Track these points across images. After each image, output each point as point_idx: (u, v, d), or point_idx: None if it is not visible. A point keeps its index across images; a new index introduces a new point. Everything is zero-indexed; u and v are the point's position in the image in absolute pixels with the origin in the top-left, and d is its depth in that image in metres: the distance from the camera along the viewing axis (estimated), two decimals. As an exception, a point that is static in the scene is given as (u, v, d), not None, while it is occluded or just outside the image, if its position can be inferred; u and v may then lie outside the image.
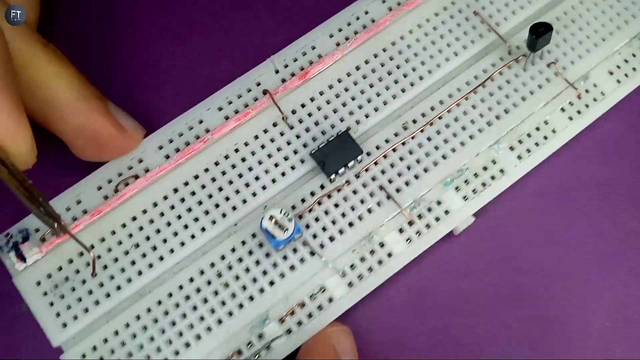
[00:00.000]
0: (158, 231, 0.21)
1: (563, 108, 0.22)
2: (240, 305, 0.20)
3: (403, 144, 0.22)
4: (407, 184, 0.22)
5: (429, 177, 0.22)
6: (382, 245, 0.21)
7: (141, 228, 0.21)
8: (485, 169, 0.22)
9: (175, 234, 0.21)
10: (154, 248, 0.21)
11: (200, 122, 0.22)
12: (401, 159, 0.22)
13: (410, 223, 0.21)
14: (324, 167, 0.21)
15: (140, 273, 0.21)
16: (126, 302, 0.21)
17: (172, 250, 0.21)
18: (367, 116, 0.22)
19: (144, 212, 0.21)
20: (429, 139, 0.22)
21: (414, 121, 0.22)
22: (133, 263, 0.21)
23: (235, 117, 0.22)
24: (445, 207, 0.21)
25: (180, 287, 0.21)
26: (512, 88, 0.23)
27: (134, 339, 0.20)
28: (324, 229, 0.21)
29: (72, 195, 0.21)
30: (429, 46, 0.23)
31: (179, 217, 0.21)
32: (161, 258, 0.21)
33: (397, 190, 0.22)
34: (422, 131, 0.22)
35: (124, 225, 0.21)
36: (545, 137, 0.22)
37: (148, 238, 0.21)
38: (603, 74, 0.23)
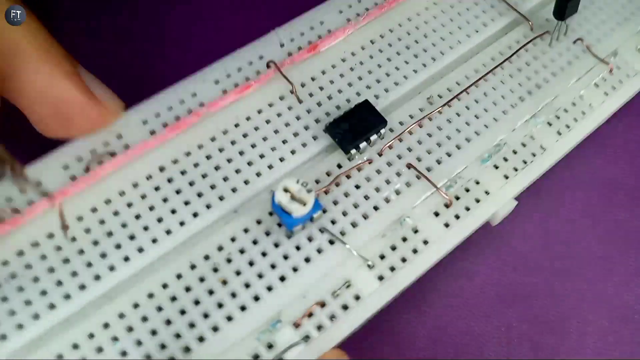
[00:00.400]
0: (138, 217, 0.16)
1: (596, 83, 0.19)
2: (243, 308, 0.15)
3: (430, 119, 0.18)
4: (438, 162, 0.17)
5: (463, 154, 0.18)
6: (415, 231, 0.17)
7: (116, 213, 0.16)
8: (524, 145, 0.18)
9: (160, 220, 0.16)
10: (132, 237, 0.15)
11: (194, 95, 0.18)
12: (429, 135, 0.18)
13: (447, 205, 0.17)
14: (341, 141, 0.17)
15: (112, 268, 0.15)
16: (92, 305, 0.15)
17: (155, 240, 0.16)
18: (386, 90, 0.18)
19: (122, 194, 0.16)
20: (458, 114, 0.18)
21: (440, 96, 0.19)
22: (103, 256, 0.15)
23: (235, 90, 0.18)
24: (485, 187, 0.17)
25: (165, 286, 0.15)
26: (540, 64, 0.19)
27: (99, 353, 0.14)
28: (344, 213, 0.16)
29: (30, 174, 0.16)
30: (447, 23, 0.20)
31: (165, 200, 0.16)
32: (140, 250, 0.15)
33: (428, 170, 0.17)
34: (449, 106, 0.18)
35: (94, 210, 0.16)
36: (583, 112, 0.19)
37: (124, 225, 0.16)
38: (631, 51, 0.20)
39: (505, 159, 0.18)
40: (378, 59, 0.19)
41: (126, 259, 0.15)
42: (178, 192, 0.16)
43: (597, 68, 0.19)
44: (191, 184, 0.16)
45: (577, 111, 0.19)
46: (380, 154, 0.17)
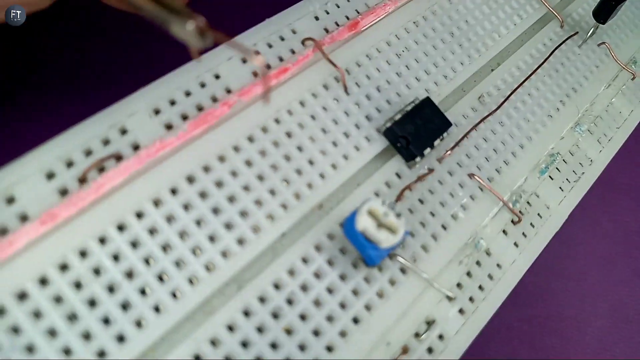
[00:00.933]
0: (165, 248, 0.12)
1: (622, 92, 0.19)
2: (315, 363, 0.12)
3: (483, 121, 0.16)
4: (498, 171, 0.16)
5: (520, 163, 0.16)
6: (488, 253, 0.15)
7: (135, 245, 0.11)
8: (572, 154, 0.17)
9: (195, 251, 0.12)
10: (160, 279, 0.11)
11: (217, 77, 0.14)
12: (485, 139, 0.16)
13: (514, 222, 0.15)
14: (405, 147, 0.14)
15: (139, 325, 0.11)
16: (113, 383, 0.11)
17: (191, 281, 0.12)
18: (437, 84, 0.16)
19: (139, 215, 0.12)
20: (508, 116, 0.17)
21: (489, 94, 0.17)
22: (125, 308, 0.11)
23: (271, 73, 0.14)
24: (544, 201, 0.16)
25: (214, 343, 0.11)
26: (573, 66, 0.19)
27: None
28: (412, 234, 0.14)
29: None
30: (485, 10, 0.18)
31: (199, 222, 0.12)
32: (174, 295, 0.11)
33: (490, 180, 0.16)
34: (500, 108, 0.17)
35: (102, 241, 0.11)
36: (616, 121, 0.19)
37: (147, 262, 0.11)
38: (645, 59, 0.21)
39: (558, 170, 0.17)
40: (423, 46, 0.16)
41: (156, 309, 0.11)
42: (215, 211, 0.12)
43: (621, 75, 0.19)
44: (231, 199, 0.13)
45: (611, 119, 0.19)
46: (440, 161, 0.15)
